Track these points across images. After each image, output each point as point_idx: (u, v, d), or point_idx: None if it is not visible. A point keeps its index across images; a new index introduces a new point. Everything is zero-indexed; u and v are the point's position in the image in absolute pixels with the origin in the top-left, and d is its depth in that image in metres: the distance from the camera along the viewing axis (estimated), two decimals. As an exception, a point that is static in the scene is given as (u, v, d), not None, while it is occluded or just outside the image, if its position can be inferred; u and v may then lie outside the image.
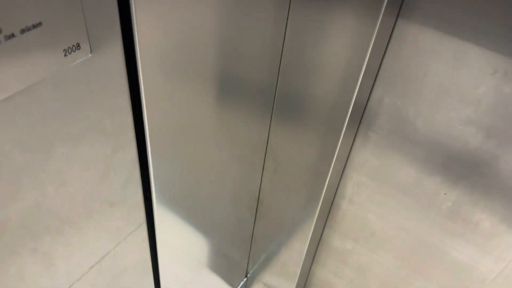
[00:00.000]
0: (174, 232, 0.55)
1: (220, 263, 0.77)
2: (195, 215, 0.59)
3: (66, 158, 0.33)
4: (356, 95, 0.52)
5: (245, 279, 0.92)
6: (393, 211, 0.64)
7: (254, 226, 0.78)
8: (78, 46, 0.29)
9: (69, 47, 0.28)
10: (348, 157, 0.63)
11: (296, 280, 0.81)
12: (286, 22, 0.50)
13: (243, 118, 0.55)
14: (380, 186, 0.63)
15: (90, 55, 0.30)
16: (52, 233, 0.36)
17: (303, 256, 0.75)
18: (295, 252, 0.76)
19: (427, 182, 0.57)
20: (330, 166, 0.59)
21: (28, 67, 0.26)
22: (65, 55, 0.28)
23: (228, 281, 0.85)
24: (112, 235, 0.43)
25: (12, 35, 0.24)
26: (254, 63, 0.50)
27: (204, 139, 0.50)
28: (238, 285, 0.91)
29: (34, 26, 0.25)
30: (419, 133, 0.55)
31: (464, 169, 0.53)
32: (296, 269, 0.79)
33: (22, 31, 0.25)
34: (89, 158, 0.35)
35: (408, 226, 0.63)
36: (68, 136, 0.32)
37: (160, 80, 0.37)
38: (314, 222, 0.66)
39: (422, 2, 0.47)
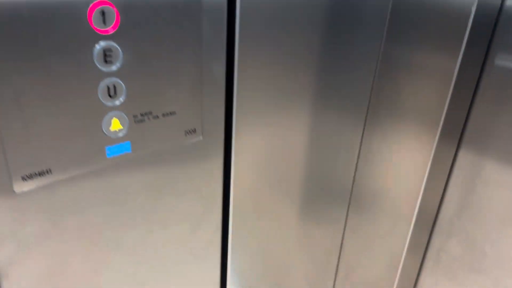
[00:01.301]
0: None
1: None
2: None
3: (169, 208, 0.46)
4: (419, 214, 0.57)
5: None
6: None
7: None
8: (194, 130, 0.44)
9: (189, 130, 0.43)
10: (419, 277, 0.65)
11: None
12: (360, 146, 0.61)
13: (320, 221, 0.64)
14: (452, 313, 0.62)
15: (201, 138, 0.45)
16: (146, 265, 0.47)
17: None
18: None
19: (497, 312, 0.56)
20: (394, 282, 0.62)
21: (161, 139, 0.42)
22: (185, 135, 0.43)
23: None
24: None
25: (157, 116, 0.40)
26: (331, 176, 0.61)
27: (281, 234, 0.60)
28: None
29: (171, 114, 0.41)
30: (488, 257, 0.56)
31: (533, 301, 0.52)
32: None
33: (164, 115, 0.40)
34: (185, 212, 0.48)
35: None
36: (173, 192, 0.46)
37: (247, 164, 0.50)
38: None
39: (483, 136, 0.53)
